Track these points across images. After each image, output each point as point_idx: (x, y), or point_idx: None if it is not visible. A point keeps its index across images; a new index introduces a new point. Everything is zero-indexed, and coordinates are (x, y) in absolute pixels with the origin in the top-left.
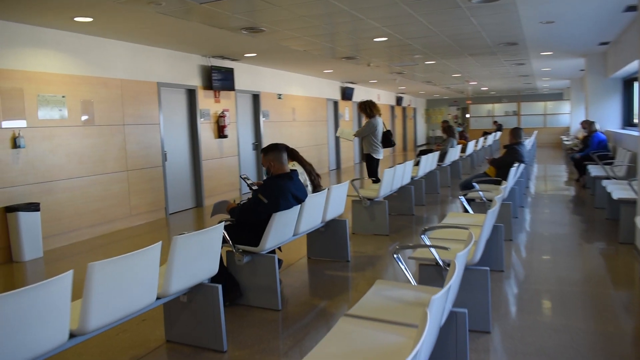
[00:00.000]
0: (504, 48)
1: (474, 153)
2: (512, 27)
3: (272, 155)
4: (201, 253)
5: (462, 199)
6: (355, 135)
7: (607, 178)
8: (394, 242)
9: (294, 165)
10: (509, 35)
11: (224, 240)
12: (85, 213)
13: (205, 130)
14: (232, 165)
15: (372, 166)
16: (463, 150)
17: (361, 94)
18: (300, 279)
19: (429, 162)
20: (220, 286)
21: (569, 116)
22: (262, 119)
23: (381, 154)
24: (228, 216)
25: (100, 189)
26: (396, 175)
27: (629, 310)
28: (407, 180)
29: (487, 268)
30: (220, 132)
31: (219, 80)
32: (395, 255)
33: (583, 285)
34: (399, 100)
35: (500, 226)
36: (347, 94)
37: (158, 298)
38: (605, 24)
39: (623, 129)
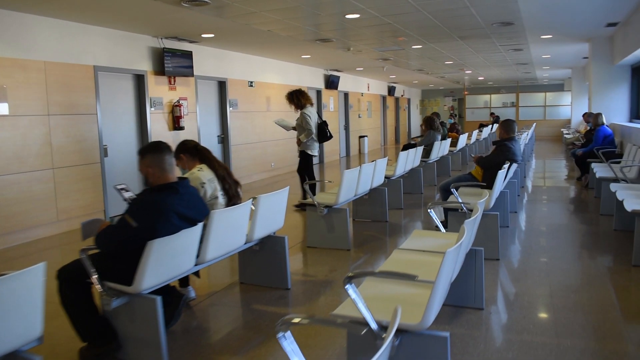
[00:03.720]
0: (499, 29)
1: (467, 147)
2: (506, 1)
3: (149, 159)
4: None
5: (432, 213)
6: (302, 139)
7: (616, 180)
8: (357, 259)
9: (202, 170)
10: (503, 12)
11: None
12: None
13: (157, 121)
14: None
15: (306, 164)
16: (454, 144)
17: (348, 82)
18: (216, 316)
19: (410, 158)
20: None
21: (569, 108)
22: (229, 109)
23: (317, 149)
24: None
25: (17, 191)
26: (363, 176)
27: None
28: (379, 181)
29: (447, 335)
30: (176, 124)
31: (173, 64)
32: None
33: (588, 338)
34: (391, 90)
35: (478, 251)
36: (331, 83)
37: None
38: (614, 0)
39: (631, 121)
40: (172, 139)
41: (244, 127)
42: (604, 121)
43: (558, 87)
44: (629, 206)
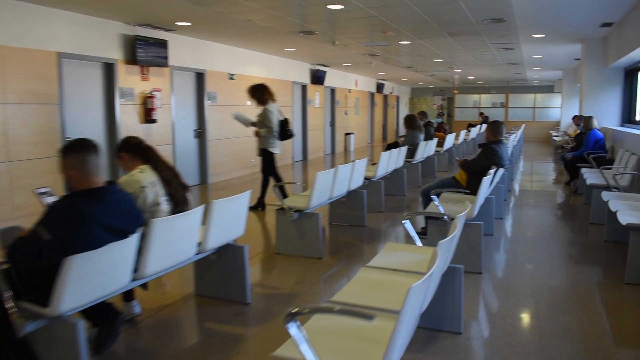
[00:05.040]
0: (490, 26)
1: (454, 148)
2: None
3: (71, 160)
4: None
5: (407, 224)
6: (261, 134)
7: (607, 188)
8: (328, 269)
9: (143, 171)
10: (494, 8)
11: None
12: None
13: (128, 113)
14: (164, 156)
15: (268, 163)
16: (441, 144)
17: (335, 78)
18: (164, 334)
19: (393, 159)
20: None
21: (559, 110)
22: (207, 102)
23: (279, 147)
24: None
25: None
26: (339, 178)
27: None
28: (357, 183)
29: None
30: (148, 116)
31: (146, 53)
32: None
33: None
34: (379, 87)
35: (457, 269)
36: (317, 78)
37: None
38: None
39: (623, 126)
40: (144, 132)
41: (223, 121)
42: (596, 125)
43: (548, 88)
44: (624, 219)
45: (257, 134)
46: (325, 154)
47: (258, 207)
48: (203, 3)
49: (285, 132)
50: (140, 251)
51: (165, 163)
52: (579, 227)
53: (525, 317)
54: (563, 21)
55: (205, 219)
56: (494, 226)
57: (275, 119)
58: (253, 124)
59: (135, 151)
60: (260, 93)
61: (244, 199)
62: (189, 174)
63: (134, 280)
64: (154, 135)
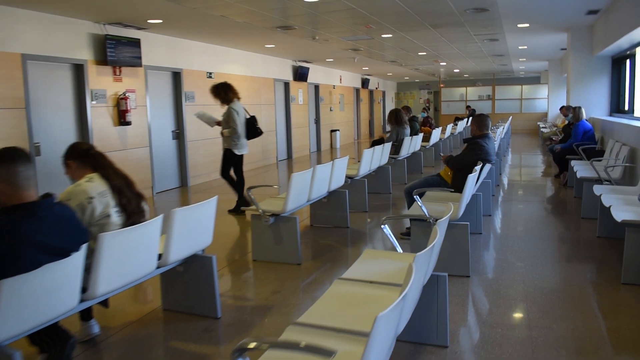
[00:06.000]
0: (473, 16)
1: (441, 142)
2: None
3: None
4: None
5: (385, 229)
6: (227, 134)
7: (599, 181)
8: (307, 276)
9: (91, 180)
10: None
11: None
12: None
13: (100, 115)
14: (141, 159)
15: (231, 164)
16: (427, 139)
17: (319, 74)
18: (126, 355)
19: (377, 156)
20: None
21: (546, 101)
22: (184, 102)
23: (246, 148)
24: None
25: None
26: (318, 179)
27: None
28: (338, 183)
29: None
30: (122, 118)
31: (117, 53)
32: None
33: None
34: (364, 83)
35: (441, 277)
36: (300, 74)
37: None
38: None
39: (611, 115)
40: (118, 134)
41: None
42: (584, 115)
43: (534, 79)
44: (619, 215)
45: (222, 133)
46: (311, 151)
47: (238, 208)
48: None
49: (253, 130)
50: (89, 269)
51: (117, 170)
52: (570, 222)
53: (517, 326)
54: (548, 9)
55: (165, 229)
56: (482, 224)
57: (240, 119)
58: (218, 123)
59: (83, 158)
60: (224, 91)
61: (209, 206)
62: (167, 176)
63: (83, 301)
64: (129, 138)
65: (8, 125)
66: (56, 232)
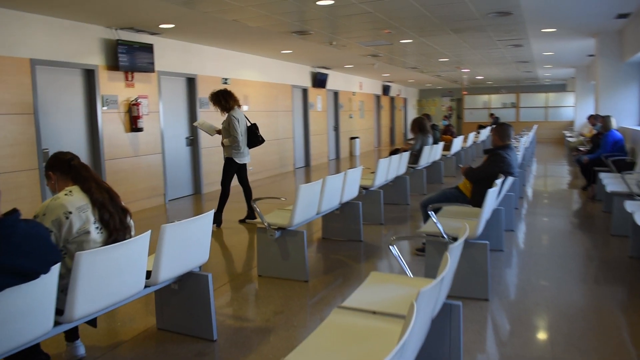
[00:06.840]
0: (495, 20)
1: (463, 151)
2: None
3: None
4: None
5: (394, 250)
6: (228, 143)
7: (630, 195)
8: (314, 295)
9: (70, 194)
10: (499, 1)
11: None
12: None
13: (111, 121)
14: (153, 165)
15: (233, 173)
16: (447, 148)
17: (338, 81)
18: None
19: (393, 166)
20: None
21: (572, 109)
22: (199, 109)
23: (247, 157)
24: None
25: None
26: (328, 190)
27: None
28: (351, 194)
29: None
30: (133, 124)
31: (129, 58)
32: None
33: None
34: (385, 90)
35: (454, 307)
36: (319, 81)
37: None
38: None
39: None
40: (130, 141)
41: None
42: (614, 125)
43: (560, 87)
44: None
45: (222, 143)
46: (330, 159)
47: (247, 218)
48: (184, 2)
49: (255, 138)
50: (66, 290)
51: (100, 183)
52: (598, 239)
53: (539, 359)
54: (574, 13)
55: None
56: (504, 240)
57: (241, 127)
58: (218, 132)
59: (64, 169)
60: (224, 99)
61: (204, 221)
62: (181, 184)
63: (60, 324)
64: (141, 144)
65: (16, 131)
66: (21, 252)
